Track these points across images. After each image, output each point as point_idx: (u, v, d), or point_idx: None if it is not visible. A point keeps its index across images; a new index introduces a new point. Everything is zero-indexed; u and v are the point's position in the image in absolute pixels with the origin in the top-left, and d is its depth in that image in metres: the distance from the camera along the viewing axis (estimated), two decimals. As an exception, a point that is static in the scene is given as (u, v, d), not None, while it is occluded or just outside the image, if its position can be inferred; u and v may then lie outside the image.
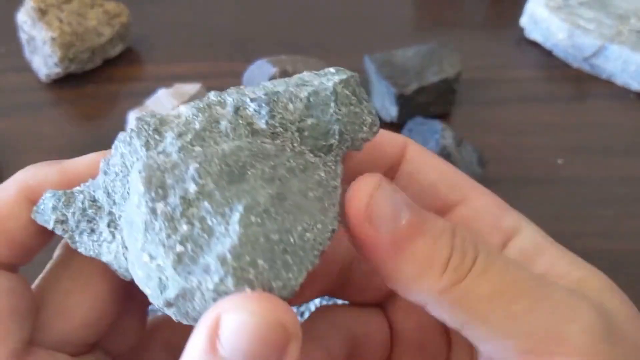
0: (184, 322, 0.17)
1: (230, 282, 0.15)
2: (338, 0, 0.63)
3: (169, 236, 0.16)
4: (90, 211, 0.19)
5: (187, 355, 0.15)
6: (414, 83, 0.48)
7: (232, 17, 0.61)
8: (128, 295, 0.21)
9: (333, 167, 0.18)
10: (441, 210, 0.22)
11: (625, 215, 0.43)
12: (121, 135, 0.18)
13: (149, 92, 0.48)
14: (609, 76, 0.54)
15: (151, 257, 0.16)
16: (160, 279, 0.16)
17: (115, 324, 0.22)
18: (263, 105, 0.18)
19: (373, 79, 0.50)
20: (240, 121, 0.18)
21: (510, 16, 0.61)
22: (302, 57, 0.49)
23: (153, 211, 0.16)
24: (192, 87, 0.48)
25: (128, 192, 0.18)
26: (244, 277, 0.15)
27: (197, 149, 0.17)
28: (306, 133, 0.18)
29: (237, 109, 0.18)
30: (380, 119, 0.41)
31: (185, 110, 0.18)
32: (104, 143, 0.46)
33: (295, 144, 0.18)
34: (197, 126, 0.18)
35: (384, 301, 0.24)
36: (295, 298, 0.17)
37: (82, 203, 0.19)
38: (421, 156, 0.22)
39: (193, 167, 0.16)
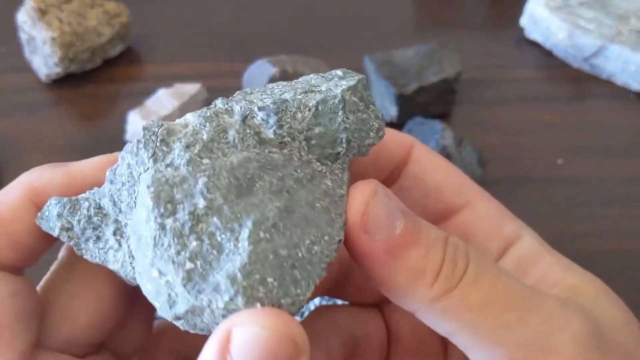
0: (191, 331, 0.17)
1: (240, 301, 0.15)
2: (338, 0, 0.63)
3: (178, 253, 0.16)
4: (95, 219, 0.19)
5: None
6: (413, 83, 0.48)
7: (232, 17, 0.61)
8: (134, 295, 0.21)
9: (340, 174, 0.18)
10: (444, 213, 0.22)
11: (625, 216, 0.43)
12: (128, 146, 0.18)
13: (149, 92, 0.48)
14: (609, 76, 0.54)
15: (160, 274, 0.16)
16: (169, 295, 0.16)
17: (122, 325, 0.22)
18: (271, 115, 0.18)
19: (373, 79, 0.50)
20: (248, 131, 0.18)
21: (510, 16, 0.61)
22: (302, 57, 0.49)
23: (162, 227, 0.16)
24: (192, 87, 0.48)
25: (135, 202, 0.18)
26: (254, 295, 0.15)
27: (206, 161, 0.17)
28: (314, 142, 0.18)
29: (244, 118, 0.18)
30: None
31: (192, 118, 0.18)
32: (104, 143, 0.47)
33: (302, 153, 0.18)
34: (205, 137, 0.17)
35: (382, 302, 0.24)
36: None
37: (88, 210, 0.19)
38: (427, 157, 0.22)
39: (202, 181, 0.16)
